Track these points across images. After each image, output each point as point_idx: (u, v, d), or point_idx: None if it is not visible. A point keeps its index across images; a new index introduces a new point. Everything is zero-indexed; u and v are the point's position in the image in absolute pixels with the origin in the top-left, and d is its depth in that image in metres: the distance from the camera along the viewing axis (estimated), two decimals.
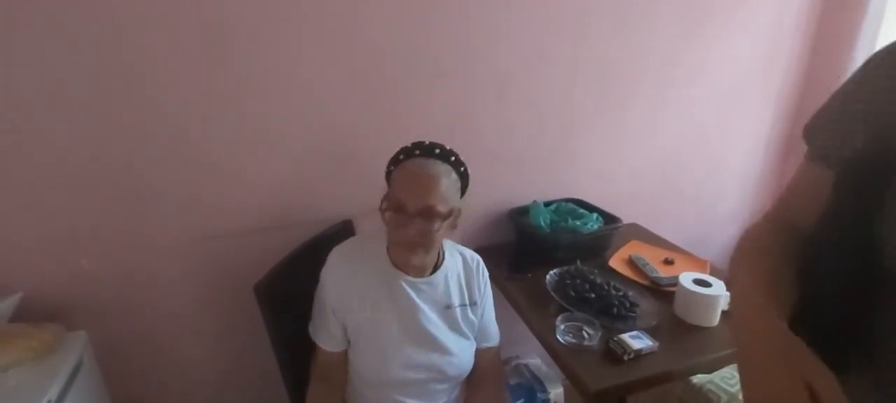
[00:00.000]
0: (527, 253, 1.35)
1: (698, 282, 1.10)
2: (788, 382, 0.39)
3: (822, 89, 1.67)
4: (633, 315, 1.09)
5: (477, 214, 1.47)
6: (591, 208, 1.45)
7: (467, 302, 1.03)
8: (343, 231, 1.27)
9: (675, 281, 1.17)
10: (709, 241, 1.78)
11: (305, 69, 1.14)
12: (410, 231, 0.87)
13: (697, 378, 1.36)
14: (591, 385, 0.90)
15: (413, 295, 0.96)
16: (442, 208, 0.88)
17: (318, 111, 1.19)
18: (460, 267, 1.04)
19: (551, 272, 1.23)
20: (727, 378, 1.32)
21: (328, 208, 1.27)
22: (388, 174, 0.93)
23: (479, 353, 1.06)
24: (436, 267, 0.99)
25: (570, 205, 1.44)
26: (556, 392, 1.36)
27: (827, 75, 1.69)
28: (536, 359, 1.49)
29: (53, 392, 0.83)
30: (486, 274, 1.07)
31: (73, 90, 0.98)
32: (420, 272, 0.96)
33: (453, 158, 0.92)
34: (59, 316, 1.06)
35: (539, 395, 1.34)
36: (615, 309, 1.08)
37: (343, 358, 0.99)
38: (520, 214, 1.42)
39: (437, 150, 0.91)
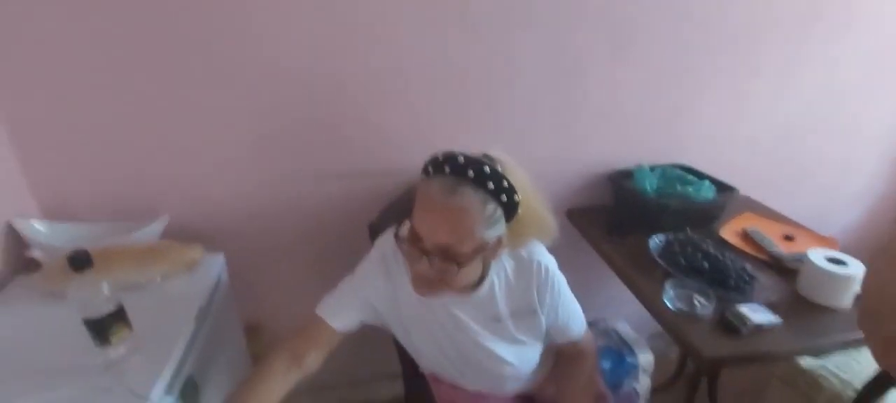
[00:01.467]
0: (627, 217, 1.30)
1: (831, 260, 1.00)
2: None
3: None
4: (751, 288, 1.02)
5: (573, 174, 1.43)
6: (699, 175, 1.35)
7: (523, 310, 0.90)
8: None
9: (799, 258, 1.08)
10: (828, 221, 1.62)
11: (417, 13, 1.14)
12: (422, 268, 0.74)
13: (806, 361, 1.27)
14: (707, 352, 0.87)
15: (456, 310, 0.87)
16: (467, 248, 0.72)
17: (433, 65, 1.19)
18: (511, 273, 0.89)
19: (656, 237, 1.18)
20: (841, 365, 1.23)
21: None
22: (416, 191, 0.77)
23: (563, 345, 0.98)
24: (479, 281, 0.86)
25: (678, 171, 1.35)
26: (647, 358, 1.33)
27: None
28: (624, 323, 1.46)
29: (202, 301, 0.95)
30: (552, 274, 0.90)
31: (220, 39, 1.05)
32: (456, 292, 0.84)
33: (493, 184, 0.71)
34: (197, 239, 1.19)
35: (628, 359, 1.32)
36: (732, 281, 1.02)
37: (335, 340, 0.87)
38: (622, 177, 1.37)
39: (472, 172, 0.70)
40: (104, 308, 0.71)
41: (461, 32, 1.17)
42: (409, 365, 1.12)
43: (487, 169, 0.71)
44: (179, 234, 1.17)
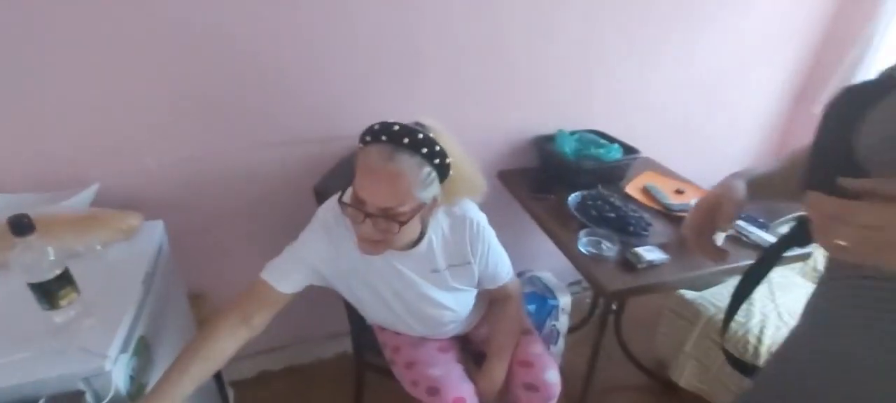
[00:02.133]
0: (550, 177, 1.46)
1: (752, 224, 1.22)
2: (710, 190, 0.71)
3: (838, 49, 1.74)
4: (647, 233, 1.22)
5: (503, 138, 1.56)
6: (611, 139, 1.54)
7: (458, 262, 1.00)
8: None
9: (685, 207, 1.29)
10: (715, 177, 1.88)
11: None
12: (366, 230, 0.81)
13: (689, 294, 1.54)
14: (609, 286, 1.05)
15: (398, 264, 0.96)
16: (405, 208, 0.80)
17: (369, 36, 1.23)
18: (447, 229, 0.98)
19: (573, 194, 1.35)
20: (716, 294, 1.51)
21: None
22: (355, 158, 0.83)
23: (493, 290, 1.11)
24: (419, 238, 0.95)
25: (593, 136, 1.53)
26: (566, 300, 1.52)
27: (844, 36, 1.74)
28: (548, 273, 1.65)
29: (147, 266, 0.96)
30: (482, 229, 1.00)
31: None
32: (398, 249, 0.93)
33: (426, 148, 0.78)
34: (130, 207, 1.16)
35: (550, 302, 1.50)
36: (632, 228, 1.21)
37: (280, 302, 0.91)
38: (545, 141, 1.52)
39: (407, 139, 0.77)
40: (50, 272, 0.72)
41: (395, 6, 1.22)
42: (356, 320, 1.21)
43: (421, 135, 0.78)
44: (111, 203, 1.14)
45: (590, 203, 1.30)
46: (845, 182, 0.47)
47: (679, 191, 1.44)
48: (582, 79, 1.54)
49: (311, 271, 0.94)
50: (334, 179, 1.10)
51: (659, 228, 1.26)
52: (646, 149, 1.55)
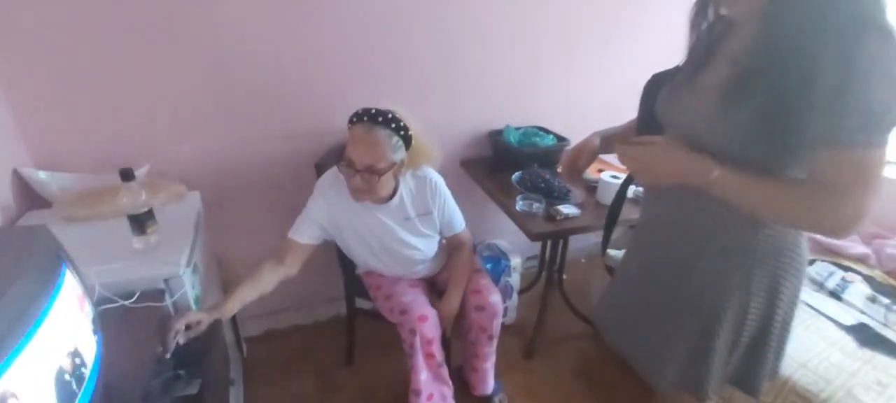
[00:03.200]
0: (501, 162, 1.86)
1: (613, 177, 1.63)
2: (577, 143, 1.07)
3: None
4: (568, 197, 1.62)
5: (463, 133, 1.96)
6: (547, 131, 1.95)
7: (422, 212, 1.37)
8: None
9: (597, 180, 1.70)
10: None
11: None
12: (356, 182, 1.18)
13: (612, 252, 1.92)
14: (534, 230, 1.44)
15: (380, 215, 1.32)
16: (382, 165, 1.16)
17: (355, 51, 1.62)
18: (413, 187, 1.35)
19: (516, 173, 1.75)
20: None
21: None
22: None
23: (450, 239, 1.48)
24: (393, 193, 1.31)
25: (534, 129, 1.94)
26: (517, 261, 1.90)
27: None
28: (503, 240, 2.03)
29: (194, 220, 1.30)
30: (439, 186, 1.38)
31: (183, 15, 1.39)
32: (380, 201, 1.30)
33: (394, 124, 1.17)
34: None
35: (504, 262, 1.88)
36: (556, 194, 1.61)
37: (303, 251, 1.30)
38: (497, 134, 1.92)
39: (380, 118, 1.15)
40: (142, 208, 1.07)
41: (374, 29, 1.62)
42: (347, 270, 1.57)
43: (390, 115, 1.18)
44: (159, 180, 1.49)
45: (527, 178, 1.70)
46: (634, 139, 0.86)
47: (599, 171, 1.85)
48: (525, 82, 1.96)
49: (317, 226, 1.32)
50: (329, 158, 1.48)
51: (578, 194, 1.66)
52: (575, 139, 1.96)
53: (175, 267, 1.08)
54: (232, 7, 1.42)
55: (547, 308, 1.92)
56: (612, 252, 1.73)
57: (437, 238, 1.48)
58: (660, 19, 2.06)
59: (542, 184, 1.65)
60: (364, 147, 1.16)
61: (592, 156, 1.09)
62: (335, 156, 1.45)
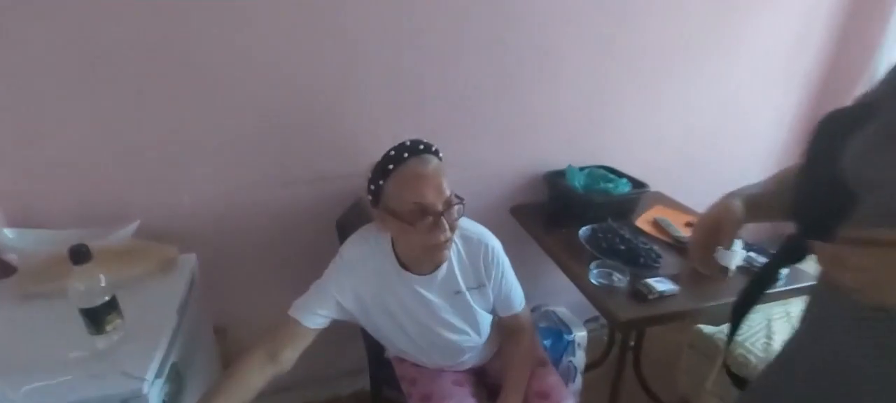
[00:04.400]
0: (561, 211, 1.51)
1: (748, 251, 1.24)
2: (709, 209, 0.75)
3: (847, 76, 1.79)
4: (657, 265, 1.24)
5: (515, 174, 1.62)
6: (620, 174, 1.59)
7: (474, 285, 1.06)
8: None
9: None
10: None
11: (358, 26, 1.28)
12: (445, 230, 0.88)
13: (707, 329, 1.53)
14: (622, 316, 1.07)
15: (423, 291, 1.01)
16: (454, 197, 0.92)
17: (391, 81, 1.33)
18: (463, 252, 1.05)
19: (584, 228, 1.39)
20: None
21: None
22: (378, 190, 0.91)
23: (506, 319, 1.15)
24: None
25: (602, 171, 1.58)
26: (581, 335, 1.53)
27: (852, 63, 1.78)
28: (563, 307, 1.66)
29: (181, 297, 1.02)
30: (497, 254, 1.06)
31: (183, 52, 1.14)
32: (429, 268, 1.00)
33: (434, 148, 0.94)
34: (165, 241, 1.25)
35: (566, 336, 1.51)
36: (642, 259, 1.24)
37: (307, 337, 0.97)
38: (555, 176, 1.57)
39: (422, 146, 0.92)
40: (100, 298, 0.79)
41: (416, 53, 1.32)
42: (375, 354, 1.25)
43: (423, 140, 0.94)
44: (149, 237, 1.23)
45: (600, 236, 1.34)
46: (861, 235, 0.50)
47: (689, 224, 1.47)
48: (590, 114, 1.61)
49: (335, 306, 1.00)
50: (353, 216, 1.18)
51: (669, 260, 1.28)
52: (655, 183, 1.59)
53: (137, 383, 0.78)
54: (238, 32, 1.16)
55: (619, 391, 1.53)
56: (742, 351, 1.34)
57: (490, 317, 1.14)
58: (760, 37, 1.69)
59: (623, 247, 1.28)
60: (432, 180, 0.88)
61: (735, 231, 0.74)
62: (359, 214, 1.15)
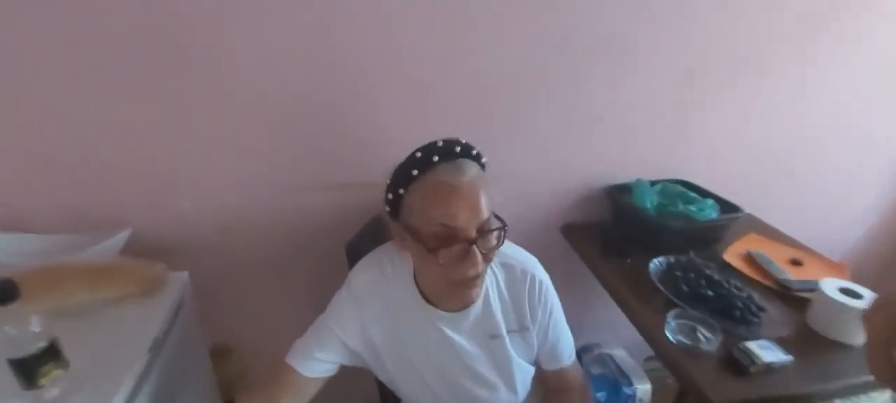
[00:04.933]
0: (626, 236, 1.23)
1: (844, 291, 0.93)
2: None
3: None
4: (758, 320, 0.94)
5: (570, 188, 1.35)
6: (702, 192, 1.28)
7: (516, 327, 0.83)
8: None
9: (810, 287, 1.00)
10: (833, 240, 1.55)
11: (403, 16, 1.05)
12: (476, 262, 0.66)
13: None
14: (714, 396, 0.79)
15: (450, 332, 0.79)
16: (494, 219, 0.70)
17: (423, 76, 1.10)
18: (503, 285, 0.82)
19: (656, 260, 1.11)
20: None
21: None
22: (397, 201, 0.70)
23: (550, 374, 0.91)
24: None
25: (679, 187, 1.28)
26: (644, 388, 1.25)
27: None
28: (621, 350, 1.39)
29: (160, 328, 0.85)
30: (546, 290, 0.84)
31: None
32: (459, 304, 0.78)
33: (475, 152, 0.71)
34: (161, 254, 1.09)
35: (624, 389, 1.24)
36: (738, 312, 0.94)
37: (308, 390, 0.81)
38: (620, 192, 1.29)
39: (459, 148, 0.69)
40: (32, 346, 0.62)
41: (451, 39, 1.08)
42: (390, 399, 1.04)
43: (461, 140, 0.70)
44: (142, 248, 1.08)
45: (679, 274, 1.05)
46: None
47: (796, 262, 1.15)
48: (665, 116, 1.30)
49: (339, 348, 0.81)
50: (365, 239, 0.96)
51: (775, 313, 0.97)
52: (747, 204, 1.27)
53: None
54: (248, 22, 0.97)
55: None
56: None
57: (532, 370, 0.90)
58: (881, 31, 1.32)
59: (710, 291, 0.99)
60: (469, 194, 0.66)
61: None
62: (374, 238, 0.93)
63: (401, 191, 0.69)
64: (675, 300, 0.98)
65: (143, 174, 1.07)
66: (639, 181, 1.27)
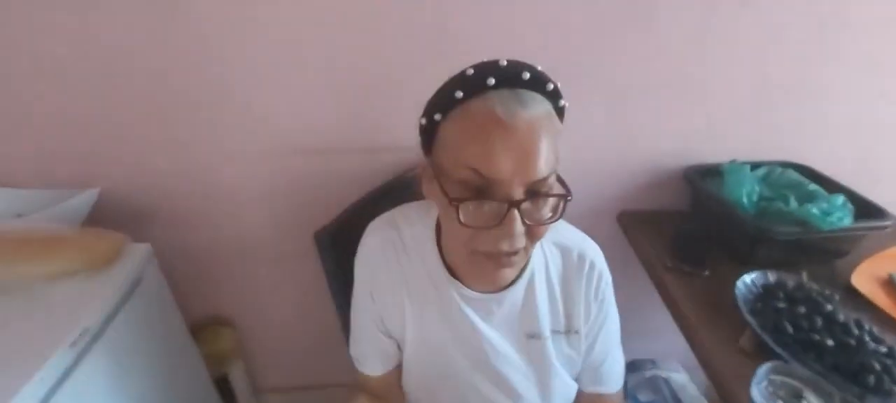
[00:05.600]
0: (707, 237, 0.91)
1: None
2: None
3: None
4: (891, 379, 0.62)
5: (633, 168, 1.04)
6: (829, 184, 0.91)
7: (564, 329, 0.64)
8: None
9: None
10: None
11: None
12: (512, 234, 0.47)
13: None
14: None
15: (473, 316, 0.60)
16: (556, 183, 0.50)
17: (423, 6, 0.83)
18: (557, 270, 0.63)
19: (748, 277, 0.79)
20: None
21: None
22: (431, 130, 0.52)
23: (583, 397, 0.69)
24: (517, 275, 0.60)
25: (794, 176, 0.92)
26: None
27: None
28: (680, 371, 1.10)
29: (97, 311, 0.72)
30: (607, 289, 0.65)
31: None
32: (492, 284, 0.58)
33: (551, 86, 0.50)
34: (132, 221, 0.97)
35: None
36: (873, 376, 0.63)
37: (392, 383, 0.69)
38: (704, 177, 0.95)
39: (528, 74, 0.48)
40: None
41: None
42: None
43: (538, 67, 0.49)
44: (116, 211, 0.96)
45: (782, 305, 0.73)
46: None
47: None
48: (775, 72, 0.92)
49: (384, 334, 0.65)
50: (341, 226, 0.74)
51: None
52: (888, 201, 0.89)
53: None
54: None
55: None
56: None
57: (574, 388, 0.68)
58: None
59: (829, 339, 0.67)
60: (526, 137, 0.46)
61: None
62: (353, 223, 0.71)
63: (437, 116, 0.50)
64: (773, 345, 0.68)
65: (113, 126, 0.92)
66: (733, 163, 0.93)
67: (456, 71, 0.50)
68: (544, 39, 0.86)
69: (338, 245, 0.71)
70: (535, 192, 0.47)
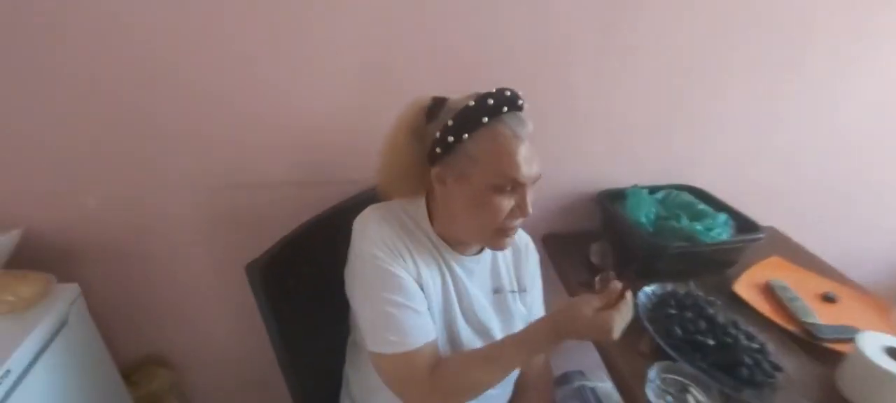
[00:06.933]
0: (616, 254, 1.01)
1: (890, 352, 0.70)
2: None
3: None
4: (773, 381, 0.73)
5: (555, 192, 1.14)
6: (715, 203, 1.05)
7: (516, 287, 0.85)
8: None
9: (844, 336, 0.78)
10: (879, 264, 1.29)
11: None
12: (527, 213, 0.70)
13: None
14: None
15: (462, 274, 0.77)
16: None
17: (369, 47, 0.90)
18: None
19: (647, 289, 0.90)
20: None
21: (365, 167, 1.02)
22: (455, 146, 0.67)
23: None
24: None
25: (688, 197, 1.05)
26: None
27: None
28: (606, 381, 1.18)
29: (21, 354, 0.71)
30: (537, 258, 0.89)
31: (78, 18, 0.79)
32: (473, 249, 0.79)
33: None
34: (60, 260, 0.95)
35: None
36: (746, 369, 0.73)
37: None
38: (612, 199, 1.07)
39: (521, 101, 0.69)
40: None
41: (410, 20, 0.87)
42: None
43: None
44: (43, 251, 0.94)
45: (673, 311, 0.84)
46: None
47: (828, 298, 0.92)
48: (670, 110, 1.07)
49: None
50: (281, 262, 0.77)
51: (795, 370, 0.75)
52: (771, 217, 1.03)
53: None
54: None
55: None
56: None
57: None
58: None
59: (711, 339, 0.78)
60: (527, 150, 0.69)
61: None
62: (288, 262, 0.76)
63: (464, 135, 0.67)
64: (665, 347, 0.78)
65: (38, 165, 0.91)
66: (635, 188, 1.05)
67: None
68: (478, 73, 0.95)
69: (270, 277, 0.74)
70: (534, 182, 0.69)
